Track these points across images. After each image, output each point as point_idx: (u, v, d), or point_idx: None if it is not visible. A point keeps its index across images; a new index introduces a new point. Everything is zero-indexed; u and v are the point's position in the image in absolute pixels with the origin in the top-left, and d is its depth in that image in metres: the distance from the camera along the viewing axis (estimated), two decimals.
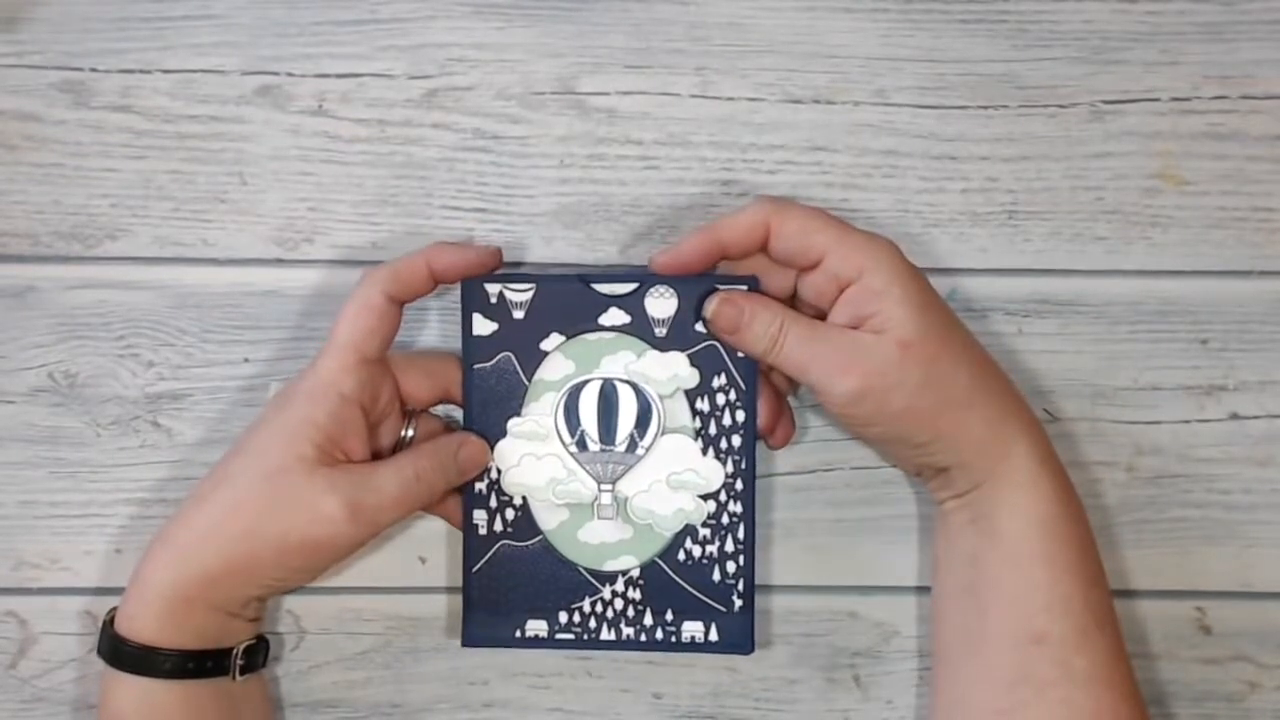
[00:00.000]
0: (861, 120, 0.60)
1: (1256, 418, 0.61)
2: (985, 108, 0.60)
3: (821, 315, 0.55)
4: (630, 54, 0.60)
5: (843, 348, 0.53)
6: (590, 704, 0.62)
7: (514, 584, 0.58)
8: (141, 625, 0.54)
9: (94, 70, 0.60)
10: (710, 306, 0.56)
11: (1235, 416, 0.61)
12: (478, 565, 0.58)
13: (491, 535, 0.58)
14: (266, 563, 0.54)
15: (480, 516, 0.58)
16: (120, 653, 0.54)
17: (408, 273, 0.56)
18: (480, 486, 0.57)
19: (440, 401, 0.59)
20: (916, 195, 0.60)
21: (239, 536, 0.54)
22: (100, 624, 0.55)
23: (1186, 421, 0.61)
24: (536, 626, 0.58)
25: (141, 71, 0.60)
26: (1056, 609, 0.53)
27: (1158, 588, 0.61)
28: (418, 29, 0.60)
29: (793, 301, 0.57)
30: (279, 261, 0.60)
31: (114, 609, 0.55)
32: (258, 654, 0.57)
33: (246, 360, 0.60)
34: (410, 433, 0.58)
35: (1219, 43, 0.60)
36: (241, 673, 0.56)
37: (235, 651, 0.55)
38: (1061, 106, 0.60)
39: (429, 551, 0.61)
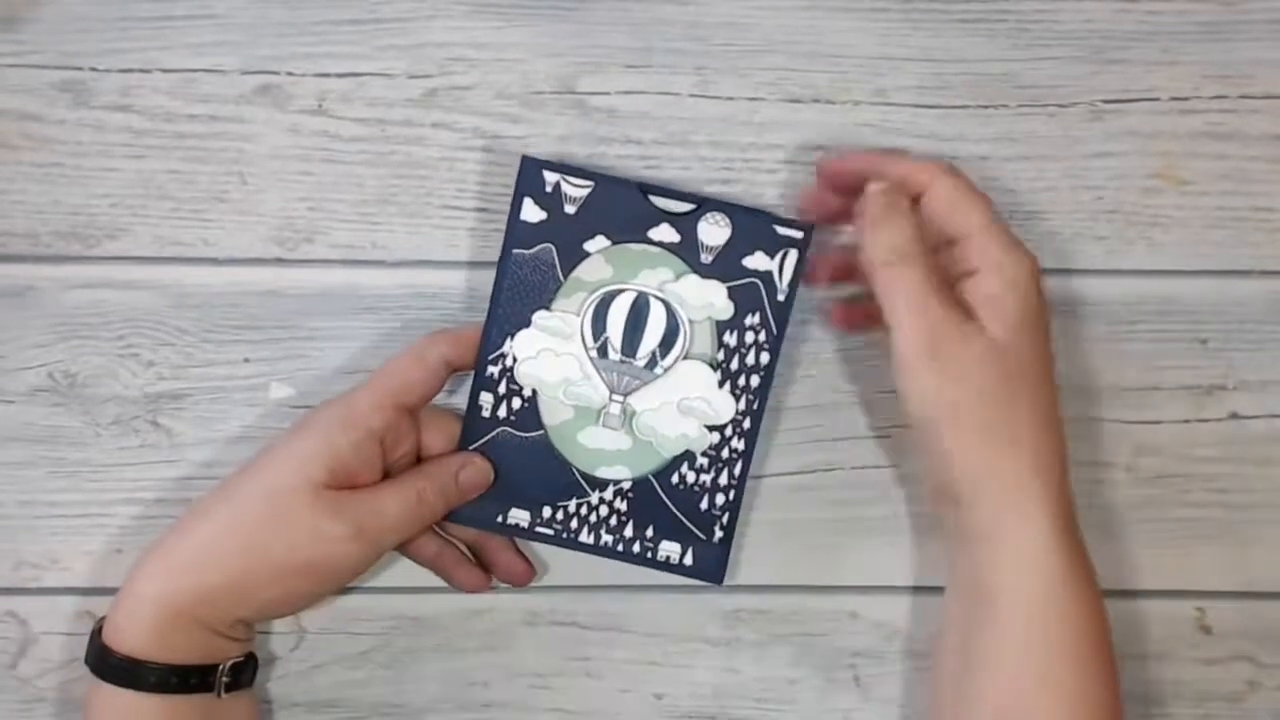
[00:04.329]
0: (861, 120, 0.60)
1: (1256, 417, 0.61)
2: (985, 107, 0.60)
3: None
4: (630, 53, 0.60)
5: (944, 309, 0.52)
6: (590, 704, 0.61)
7: (506, 471, 0.58)
8: (128, 637, 0.53)
9: (94, 70, 0.60)
10: (874, 186, 0.54)
11: (1235, 416, 0.61)
12: (474, 446, 0.58)
13: (494, 419, 0.57)
14: (262, 582, 0.54)
15: (486, 399, 0.57)
16: (106, 663, 0.53)
17: (470, 340, 0.57)
18: (492, 370, 0.57)
19: None
20: None
21: (237, 553, 0.53)
22: (89, 633, 0.55)
23: (1186, 421, 0.61)
24: (519, 515, 0.58)
25: (141, 71, 0.60)
26: (1044, 689, 0.52)
27: (1158, 588, 0.61)
28: (418, 28, 0.60)
29: None
30: (279, 261, 0.60)
31: (103, 618, 0.55)
32: (245, 672, 0.56)
33: (246, 360, 0.60)
34: None
35: (1219, 43, 0.60)
36: (227, 690, 0.55)
37: (221, 669, 0.54)
38: (1061, 106, 0.60)
39: None
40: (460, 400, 0.58)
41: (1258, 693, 0.62)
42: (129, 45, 0.60)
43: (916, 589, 0.61)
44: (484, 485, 0.57)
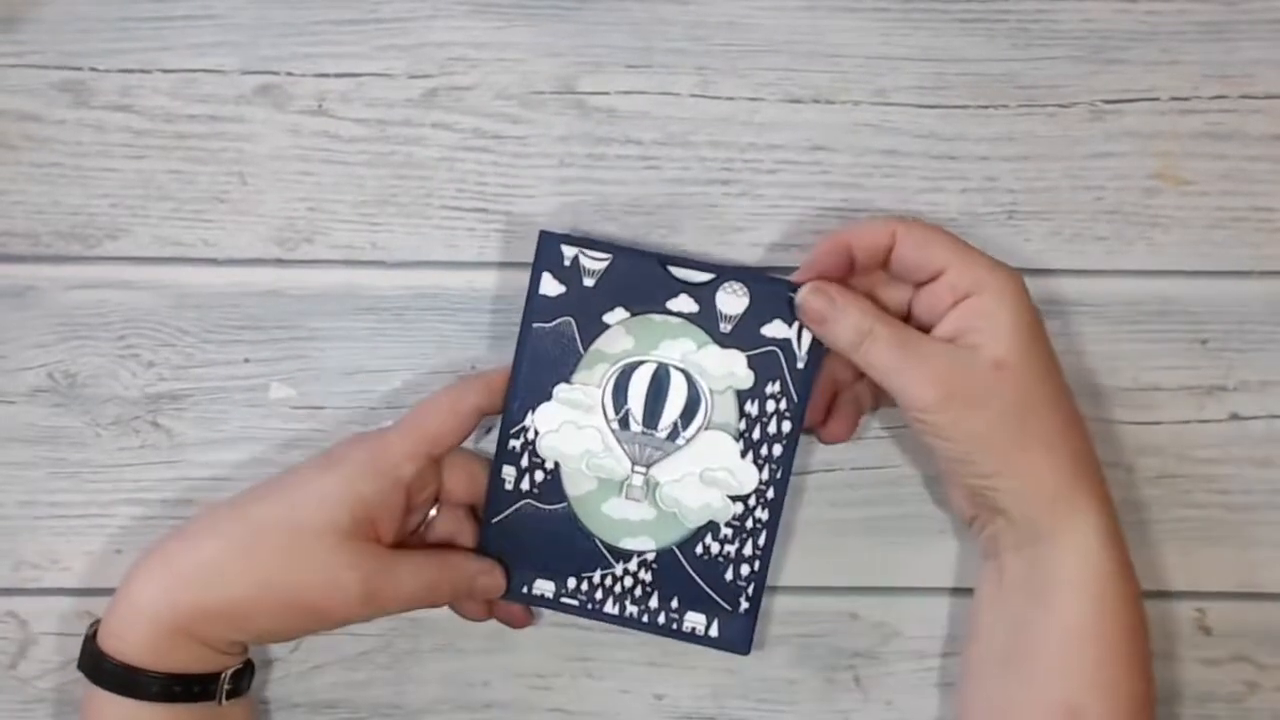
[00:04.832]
0: (861, 120, 0.60)
1: (1256, 418, 0.61)
2: (985, 107, 0.60)
3: (929, 330, 0.54)
4: (630, 53, 0.60)
5: (933, 355, 0.52)
6: (590, 704, 0.62)
7: (530, 542, 0.58)
8: (126, 645, 0.53)
9: (94, 70, 0.60)
10: (801, 293, 0.55)
11: (1235, 417, 0.61)
12: (498, 518, 0.58)
13: (517, 492, 0.58)
14: (264, 613, 0.54)
15: (509, 472, 0.57)
16: (102, 670, 0.53)
17: (500, 384, 0.57)
18: (515, 444, 0.57)
19: (471, 504, 0.59)
20: (916, 195, 0.60)
21: (244, 581, 0.53)
22: (83, 637, 0.54)
23: (1186, 421, 0.61)
24: (544, 586, 0.58)
25: (141, 71, 0.60)
26: (1098, 688, 0.52)
27: (1158, 588, 0.61)
28: (418, 28, 0.60)
29: (906, 319, 0.55)
30: (279, 261, 0.60)
31: (96, 622, 0.54)
32: (244, 678, 0.56)
33: (246, 360, 0.60)
34: (434, 512, 0.58)
35: (1219, 42, 0.60)
36: (228, 697, 0.55)
37: (223, 678, 0.54)
38: (1061, 106, 0.60)
39: None
40: (489, 445, 0.58)
41: (1258, 693, 0.62)
42: (129, 45, 0.60)
43: (917, 590, 0.61)
44: (497, 594, 0.58)
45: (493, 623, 0.60)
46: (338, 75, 0.60)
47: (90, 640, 0.54)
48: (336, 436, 0.58)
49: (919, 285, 0.55)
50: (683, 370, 0.57)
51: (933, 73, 0.60)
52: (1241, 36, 0.60)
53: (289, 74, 0.60)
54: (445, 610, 0.60)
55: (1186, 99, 0.60)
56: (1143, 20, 0.60)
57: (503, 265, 0.60)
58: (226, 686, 0.55)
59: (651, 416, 0.57)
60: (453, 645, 0.61)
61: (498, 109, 0.60)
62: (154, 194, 0.60)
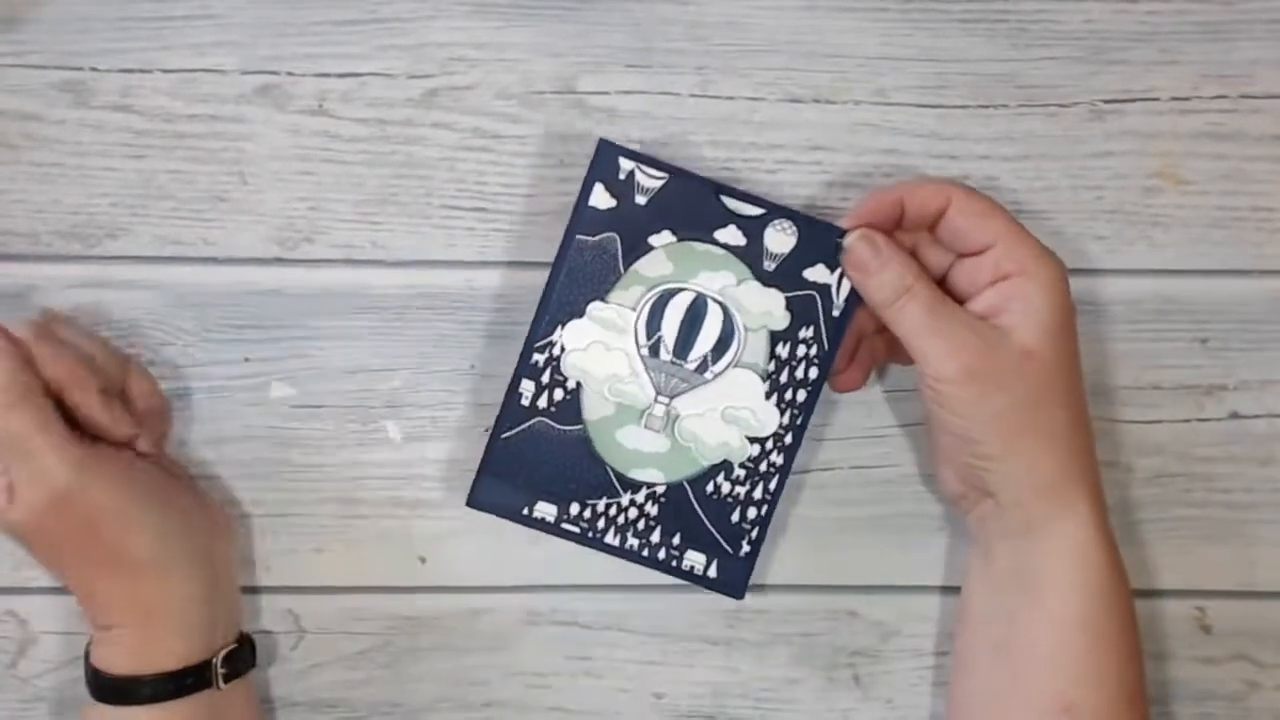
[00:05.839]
0: (861, 120, 0.60)
1: (1257, 417, 0.61)
2: (985, 107, 0.60)
3: (964, 302, 0.54)
4: (630, 53, 0.60)
5: (964, 327, 0.52)
6: (590, 703, 0.62)
7: (538, 463, 0.57)
8: (114, 657, 0.53)
9: (94, 70, 0.60)
10: (850, 238, 0.54)
11: (1235, 416, 0.61)
12: (509, 433, 0.57)
13: (533, 409, 0.57)
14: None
15: (528, 387, 0.57)
16: (101, 685, 0.54)
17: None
18: (538, 359, 0.56)
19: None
20: None
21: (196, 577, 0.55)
22: (83, 655, 0.55)
23: (1186, 421, 0.61)
24: (546, 509, 0.57)
25: (141, 71, 0.60)
26: (1090, 681, 0.52)
27: (1158, 587, 0.61)
28: (418, 28, 0.60)
29: (941, 284, 0.55)
30: (279, 261, 0.60)
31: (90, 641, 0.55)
32: (240, 659, 0.56)
33: (247, 360, 0.60)
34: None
35: (1219, 43, 0.60)
36: (226, 680, 0.55)
37: (215, 662, 0.55)
38: (1061, 106, 0.60)
39: (429, 551, 0.61)
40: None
41: (1258, 693, 0.62)
42: (129, 45, 0.60)
43: (916, 588, 0.61)
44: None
45: (491, 623, 0.60)
46: (338, 75, 0.60)
47: (86, 658, 0.55)
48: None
49: (962, 255, 0.55)
50: (720, 303, 0.56)
51: (933, 73, 0.60)
52: (1241, 36, 0.60)
53: (289, 74, 0.60)
54: (445, 609, 0.61)
55: (1186, 99, 0.60)
56: (1143, 20, 0.60)
57: (502, 265, 0.60)
58: (221, 670, 0.55)
59: (683, 347, 0.56)
60: (452, 645, 0.61)
61: (498, 109, 0.60)
62: (154, 193, 0.60)
